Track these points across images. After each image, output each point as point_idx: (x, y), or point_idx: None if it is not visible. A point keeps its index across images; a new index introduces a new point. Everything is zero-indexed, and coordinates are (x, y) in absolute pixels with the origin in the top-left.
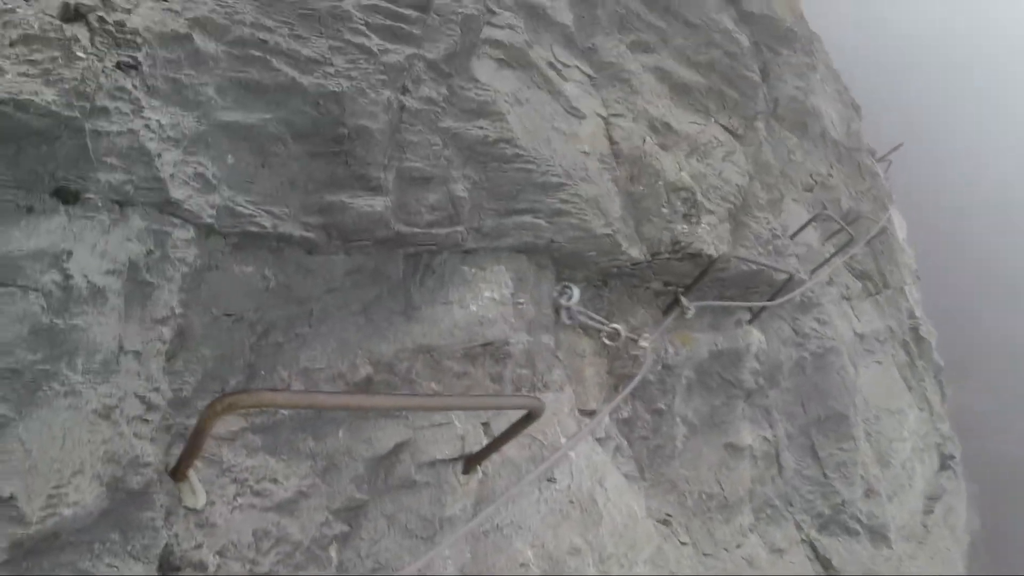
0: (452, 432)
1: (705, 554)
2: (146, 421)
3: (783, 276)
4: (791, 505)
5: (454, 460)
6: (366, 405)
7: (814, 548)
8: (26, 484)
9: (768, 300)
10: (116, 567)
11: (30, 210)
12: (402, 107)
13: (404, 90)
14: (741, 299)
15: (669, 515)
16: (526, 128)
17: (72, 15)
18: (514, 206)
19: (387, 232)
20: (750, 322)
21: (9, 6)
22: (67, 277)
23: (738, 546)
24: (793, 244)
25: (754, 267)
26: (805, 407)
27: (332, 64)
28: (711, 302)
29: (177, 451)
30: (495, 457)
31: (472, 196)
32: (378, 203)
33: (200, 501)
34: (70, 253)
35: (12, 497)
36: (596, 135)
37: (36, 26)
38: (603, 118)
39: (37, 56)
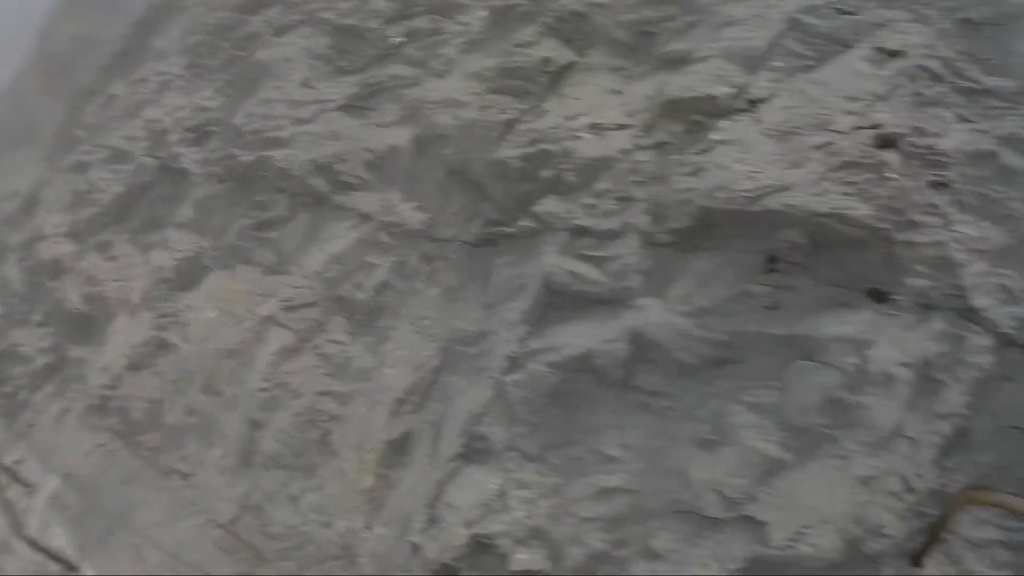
0: None
1: None
2: (900, 499)
3: None
4: None
5: None
6: None
7: None
8: (780, 516)
9: None
10: None
11: (843, 304)
12: None
13: None
14: None
15: None
16: None
17: (885, 143)
18: None
19: None
20: None
21: (830, 140)
22: (864, 362)
23: None
24: None
25: None
26: None
27: None
28: None
29: (920, 538)
30: None
31: None
32: None
33: None
34: (871, 343)
35: (765, 523)
36: None
37: (854, 154)
38: None
39: (854, 179)
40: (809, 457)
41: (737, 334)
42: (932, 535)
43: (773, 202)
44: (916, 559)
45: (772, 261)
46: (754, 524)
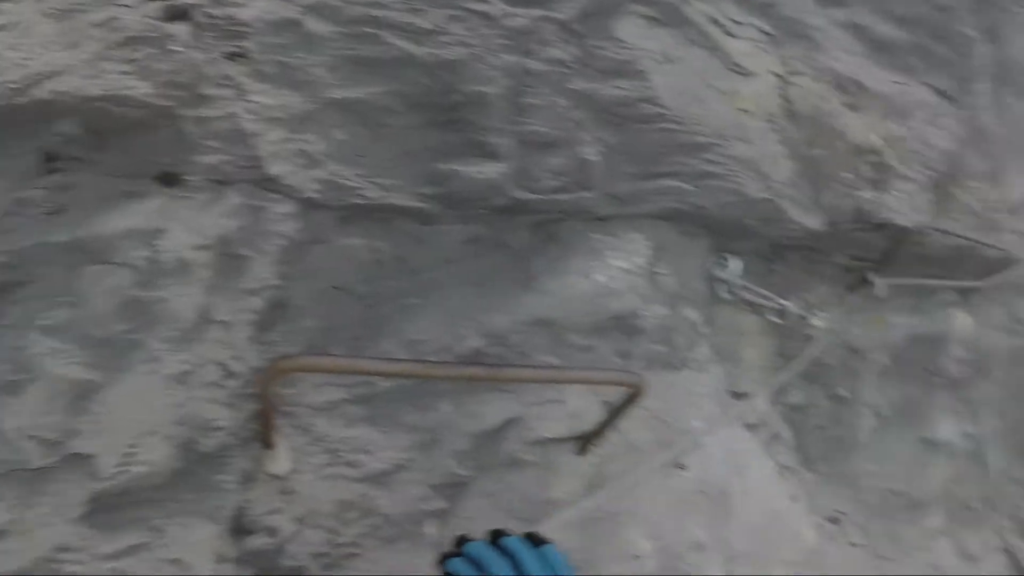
0: (564, 410)
1: (882, 557)
2: (222, 387)
3: (998, 254)
4: (994, 509)
5: (567, 440)
6: (416, 373)
7: (1014, 556)
8: (105, 442)
9: (979, 281)
10: (187, 524)
11: (130, 195)
12: (526, 71)
13: (528, 53)
14: (947, 279)
15: (841, 512)
16: (673, 86)
17: (175, 15)
18: (654, 170)
19: (505, 200)
20: (957, 305)
21: (114, 15)
22: (156, 253)
23: (924, 550)
24: (1015, 220)
25: (962, 242)
26: (1021, 402)
27: (449, 33)
28: (906, 279)
29: (259, 421)
30: (616, 439)
31: (606, 160)
32: (492, 169)
33: (283, 468)
34: (162, 231)
35: (92, 455)
36: (765, 94)
37: (138, 28)
38: (779, 76)
39: (135, 55)
40: (119, 369)
41: (19, 252)
42: (266, 416)
43: (42, 91)
44: (263, 439)
45: (51, 160)
46: (82, 460)
